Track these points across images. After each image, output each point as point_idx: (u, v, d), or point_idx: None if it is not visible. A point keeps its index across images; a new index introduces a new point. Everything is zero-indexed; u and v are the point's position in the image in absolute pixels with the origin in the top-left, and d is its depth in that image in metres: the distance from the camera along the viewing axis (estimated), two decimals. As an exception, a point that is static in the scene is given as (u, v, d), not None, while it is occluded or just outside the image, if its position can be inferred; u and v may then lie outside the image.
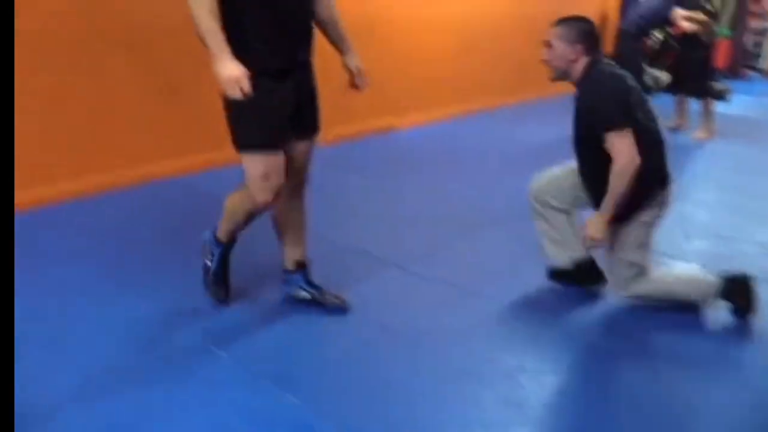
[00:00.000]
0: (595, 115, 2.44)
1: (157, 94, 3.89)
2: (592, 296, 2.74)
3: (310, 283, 2.60)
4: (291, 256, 2.57)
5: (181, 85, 3.95)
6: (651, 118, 2.51)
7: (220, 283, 2.59)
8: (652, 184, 2.48)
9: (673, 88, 5.88)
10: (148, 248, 3.08)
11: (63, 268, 2.85)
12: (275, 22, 2.12)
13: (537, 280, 2.81)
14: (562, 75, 2.56)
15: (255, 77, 2.02)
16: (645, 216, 2.51)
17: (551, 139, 5.59)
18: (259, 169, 2.20)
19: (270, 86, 2.13)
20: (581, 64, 2.50)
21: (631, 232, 2.53)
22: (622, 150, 2.35)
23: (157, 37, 3.76)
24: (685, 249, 3.28)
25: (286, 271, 2.61)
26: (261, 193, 2.25)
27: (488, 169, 4.58)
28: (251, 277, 2.79)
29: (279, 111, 2.21)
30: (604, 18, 8.73)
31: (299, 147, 2.40)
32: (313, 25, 2.34)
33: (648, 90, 6.32)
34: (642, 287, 2.58)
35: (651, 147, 2.44)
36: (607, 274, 2.73)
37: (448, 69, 6.28)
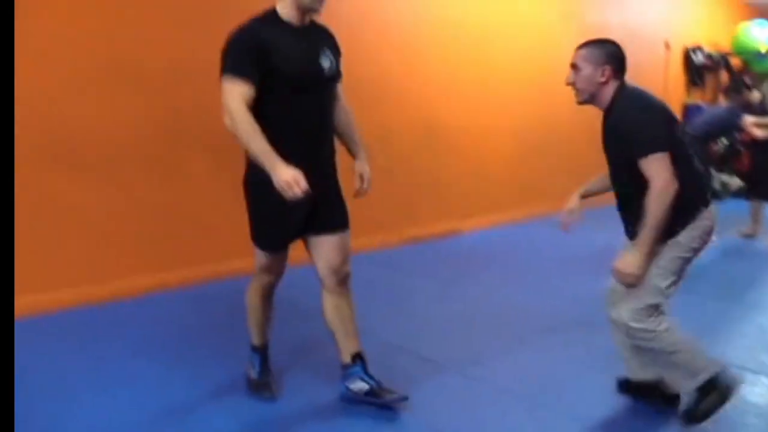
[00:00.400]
0: (629, 139, 2.33)
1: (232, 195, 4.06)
2: (663, 414, 2.58)
3: (369, 374, 2.58)
4: (347, 349, 2.58)
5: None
6: (682, 138, 2.40)
7: (263, 387, 2.66)
8: (687, 203, 2.29)
9: (746, 194, 5.76)
10: (215, 341, 3.15)
11: (131, 361, 2.93)
12: (294, 126, 2.31)
13: (603, 392, 2.69)
14: (589, 99, 2.50)
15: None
16: (681, 237, 2.30)
17: (614, 245, 5.50)
18: (263, 262, 2.54)
19: None
20: (611, 87, 2.43)
21: (663, 253, 2.32)
22: (659, 173, 2.21)
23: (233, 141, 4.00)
24: (765, 362, 3.10)
25: (344, 366, 2.60)
26: (265, 276, 2.58)
27: (549, 274, 4.52)
28: (307, 377, 2.79)
29: (291, 214, 2.35)
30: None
31: (328, 242, 2.49)
32: (332, 128, 2.51)
33: (717, 195, 6.21)
34: (649, 335, 2.33)
35: (685, 167, 2.30)
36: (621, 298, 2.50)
37: (509, 174, 6.36)
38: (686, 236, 2.31)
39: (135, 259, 3.86)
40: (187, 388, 2.70)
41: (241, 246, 3.32)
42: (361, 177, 2.59)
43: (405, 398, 2.55)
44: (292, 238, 2.50)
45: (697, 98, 9.12)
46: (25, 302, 3.47)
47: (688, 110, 8.63)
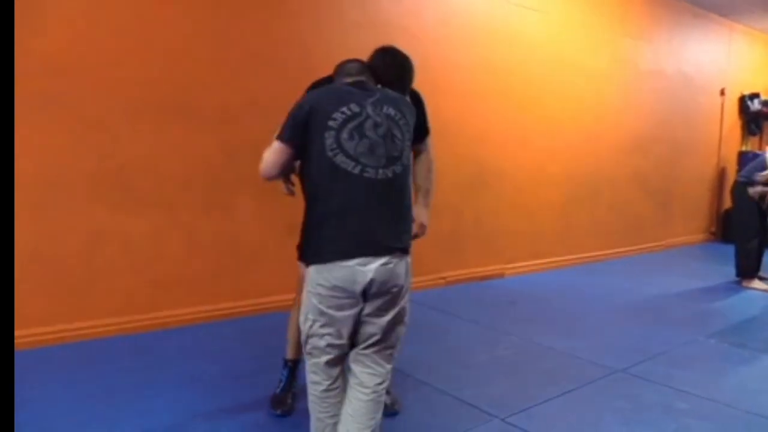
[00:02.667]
0: None
1: (276, 232, 4.17)
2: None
3: None
4: None
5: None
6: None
7: (280, 402, 2.78)
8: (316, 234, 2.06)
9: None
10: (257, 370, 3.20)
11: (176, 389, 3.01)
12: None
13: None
14: None
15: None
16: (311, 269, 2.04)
17: (656, 293, 5.41)
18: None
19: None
20: None
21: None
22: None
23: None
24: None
25: None
26: None
27: (592, 322, 4.45)
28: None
29: None
30: (722, 171, 8.62)
31: None
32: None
33: None
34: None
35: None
36: None
37: (555, 219, 6.33)
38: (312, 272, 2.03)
39: (182, 290, 3.97)
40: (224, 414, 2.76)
41: (283, 281, 3.44)
42: (420, 224, 2.68)
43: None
44: None
45: (753, 146, 8.96)
46: (77, 328, 3.64)
47: (743, 158, 8.47)
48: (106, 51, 3.63)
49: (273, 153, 2.08)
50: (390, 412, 2.65)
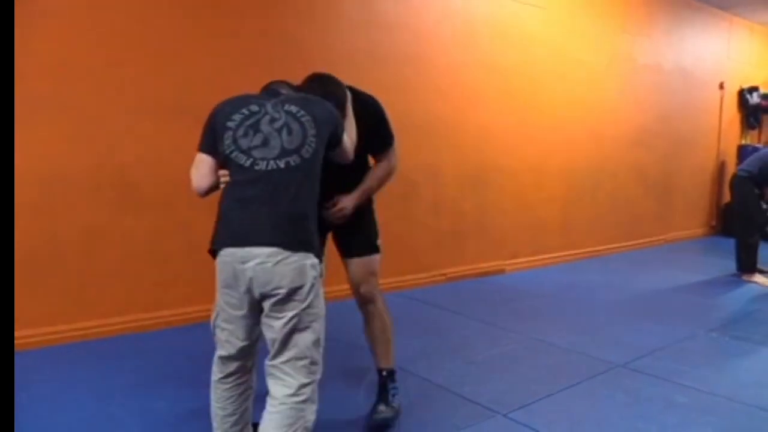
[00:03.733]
0: None
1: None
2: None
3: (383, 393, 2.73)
4: (375, 363, 2.81)
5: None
6: None
7: None
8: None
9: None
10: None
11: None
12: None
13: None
14: None
15: None
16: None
17: (657, 288, 5.42)
18: None
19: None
20: None
21: None
22: None
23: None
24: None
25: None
26: None
27: (594, 317, 4.45)
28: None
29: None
30: (722, 164, 8.62)
31: (352, 265, 2.74)
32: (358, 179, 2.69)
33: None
34: None
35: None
36: None
37: (555, 214, 6.34)
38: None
39: (182, 290, 3.98)
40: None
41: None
42: (334, 204, 2.62)
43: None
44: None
45: (752, 139, 8.96)
46: (78, 328, 3.65)
47: (743, 151, 8.48)
48: (105, 51, 3.64)
49: (195, 165, 2.12)
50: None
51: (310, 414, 1.95)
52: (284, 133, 1.97)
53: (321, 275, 2.04)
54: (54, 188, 3.54)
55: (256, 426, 2.04)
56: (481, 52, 5.46)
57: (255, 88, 4.11)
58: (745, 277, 5.72)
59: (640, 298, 5.07)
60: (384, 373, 2.76)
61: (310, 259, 1.95)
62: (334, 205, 2.59)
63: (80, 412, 2.76)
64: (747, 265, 5.74)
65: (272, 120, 2.00)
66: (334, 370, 3.29)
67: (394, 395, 2.73)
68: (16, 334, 3.36)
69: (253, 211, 1.94)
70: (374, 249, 2.78)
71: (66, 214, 3.59)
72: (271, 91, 2.23)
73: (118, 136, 3.72)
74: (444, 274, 5.36)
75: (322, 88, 2.37)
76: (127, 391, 2.98)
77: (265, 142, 1.96)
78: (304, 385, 1.93)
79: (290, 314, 1.91)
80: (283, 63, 4.26)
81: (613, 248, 6.94)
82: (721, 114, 8.45)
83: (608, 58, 6.67)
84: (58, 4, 3.49)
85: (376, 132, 2.68)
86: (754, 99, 8.67)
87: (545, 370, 3.40)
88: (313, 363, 1.96)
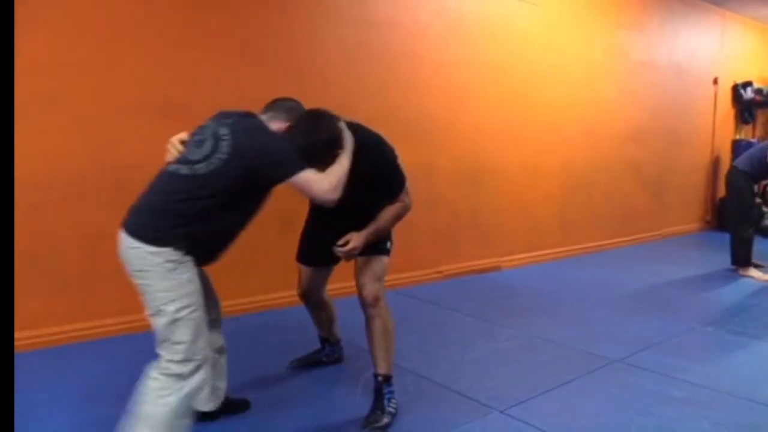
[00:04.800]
0: None
1: (279, 232, 4.17)
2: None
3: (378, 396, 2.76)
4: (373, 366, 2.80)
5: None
6: None
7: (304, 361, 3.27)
8: None
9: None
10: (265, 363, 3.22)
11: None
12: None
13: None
14: None
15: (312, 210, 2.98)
16: None
17: (653, 283, 5.44)
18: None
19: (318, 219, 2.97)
20: None
21: None
22: None
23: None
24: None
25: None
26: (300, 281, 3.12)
27: (590, 313, 4.46)
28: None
29: (317, 239, 2.92)
30: (717, 160, 8.64)
31: (357, 267, 2.78)
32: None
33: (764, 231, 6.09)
34: None
35: None
36: None
37: (551, 211, 6.35)
38: None
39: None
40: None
41: (281, 278, 3.42)
42: (347, 242, 2.62)
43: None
44: (312, 258, 3.02)
45: (746, 134, 8.99)
46: (78, 328, 3.64)
47: (737, 146, 8.51)
48: (101, 51, 3.63)
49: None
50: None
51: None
52: (198, 146, 2.23)
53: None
54: (53, 189, 3.52)
55: (230, 402, 2.65)
56: (475, 50, 5.46)
57: (250, 87, 4.15)
58: (741, 272, 5.74)
59: (637, 293, 5.08)
60: (379, 378, 2.73)
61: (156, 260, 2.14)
62: (346, 243, 2.60)
63: (79, 413, 2.76)
64: (742, 259, 5.76)
65: (199, 136, 2.28)
66: (335, 369, 3.32)
67: (389, 399, 2.71)
68: (18, 335, 3.35)
69: (144, 201, 2.27)
70: (383, 250, 2.77)
71: (64, 215, 3.57)
72: (227, 113, 2.37)
73: (118, 137, 3.71)
74: (440, 272, 5.37)
75: (308, 126, 2.39)
76: (126, 392, 2.97)
77: (188, 152, 2.26)
78: (160, 367, 2.17)
79: (147, 297, 2.20)
80: (278, 61, 4.26)
81: (609, 244, 6.95)
82: (715, 109, 8.47)
83: (602, 55, 6.67)
84: (57, 4, 3.48)
85: (386, 181, 2.67)
86: (748, 94, 8.69)
87: (542, 366, 3.41)
88: (170, 348, 2.16)
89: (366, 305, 2.72)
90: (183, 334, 2.14)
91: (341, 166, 2.35)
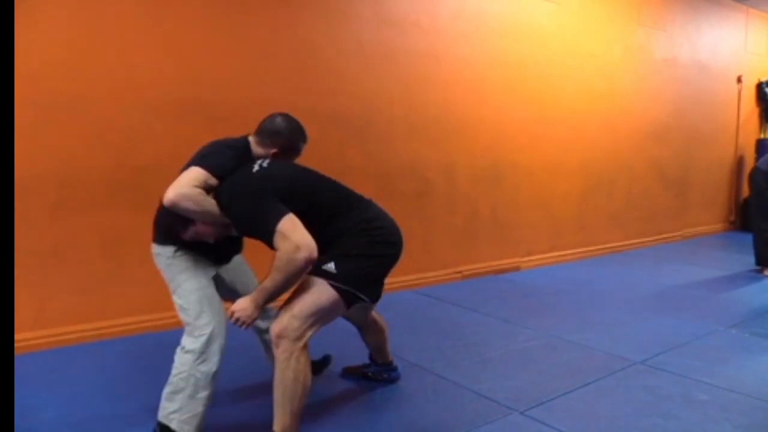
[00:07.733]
0: None
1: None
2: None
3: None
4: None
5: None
6: None
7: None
8: None
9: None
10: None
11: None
12: None
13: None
14: None
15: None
16: None
17: (675, 284, 5.37)
18: None
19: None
20: None
21: None
22: None
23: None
24: None
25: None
26: None
27: (610, 313, 4.42)
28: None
29: None
30: (740, 159, 8.52)
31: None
32: None
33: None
34: None
35: None
36: None
37: (572, 211, 6.30)
38: None
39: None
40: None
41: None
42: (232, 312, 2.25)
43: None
44: None
45: (771, 133, 8.86)
46: (97, 327, 3.68)
47: (761, 145, 8.38)
48: (120, 52, 3.66)
49: None
50: None
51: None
52: None
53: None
54: (72, 189, 3.57)
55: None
56: (495, 48, 5.43)
57: (268, 87, 4.17)
58: (765, 272, 5.65)
59: (658, 294, 5.03)
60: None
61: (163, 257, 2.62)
62: (232, 314, 2.19)
63: (95, 409, 2.79)
64: (766, 259, 5.68)
65: None
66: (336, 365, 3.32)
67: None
68: (34, 334, 3.40)
69: None
70: (321, 272, 2.26)
71: (84, 215, 3.62)
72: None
73: (136, 137, 3.75)
74: (460, 272, 5.35)
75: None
76: (144, 389, 3.01)
77: None
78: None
79: None
80: (296, 61, 4.27)
81: (630, 244, 6.88)
82: (739, 108, 8.36)
83: (623, 53, 6.61)
84: (78, 6, 3.52)
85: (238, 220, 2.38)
86: (773, 92, 8.57)
87: (563, 367, 3.38)
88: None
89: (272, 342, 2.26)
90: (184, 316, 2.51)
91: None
